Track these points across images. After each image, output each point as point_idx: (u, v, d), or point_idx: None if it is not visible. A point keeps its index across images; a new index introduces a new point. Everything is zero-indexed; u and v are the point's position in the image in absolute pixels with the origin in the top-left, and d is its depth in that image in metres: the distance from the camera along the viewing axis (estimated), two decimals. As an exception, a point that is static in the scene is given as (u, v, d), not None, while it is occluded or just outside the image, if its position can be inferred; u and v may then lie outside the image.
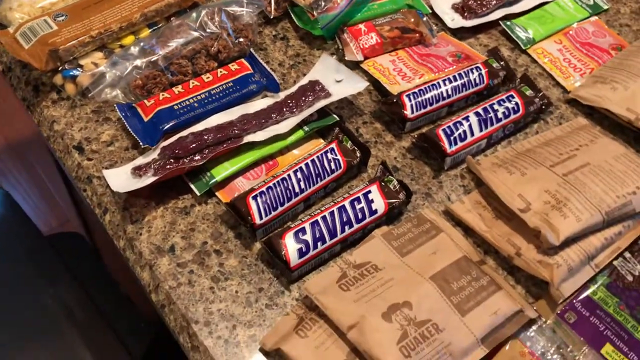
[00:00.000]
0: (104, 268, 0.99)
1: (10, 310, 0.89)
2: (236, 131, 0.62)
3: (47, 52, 0.63)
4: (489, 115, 0.66)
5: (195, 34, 0.68)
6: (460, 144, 0.64)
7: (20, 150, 1.96)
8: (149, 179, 0.58)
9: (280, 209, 0.58)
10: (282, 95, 0.68)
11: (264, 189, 0.58)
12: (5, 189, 1.90)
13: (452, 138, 0.64)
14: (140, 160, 0.61)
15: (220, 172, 0.61)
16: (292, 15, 0.76)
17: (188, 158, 0.60)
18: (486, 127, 0.66)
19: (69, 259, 0.95)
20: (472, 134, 0.65)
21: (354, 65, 0.72)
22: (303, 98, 0.66)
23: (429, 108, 0.67)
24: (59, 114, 0.65)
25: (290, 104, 0.65)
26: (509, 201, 0.60)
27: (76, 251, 0.99)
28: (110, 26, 0.67)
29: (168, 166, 0.59)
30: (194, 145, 0.60)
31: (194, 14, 0.69)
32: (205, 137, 0.61)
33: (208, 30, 0.68)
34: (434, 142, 0.64)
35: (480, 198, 0.63)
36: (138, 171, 0.59)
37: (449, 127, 0.65)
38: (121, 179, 0.60)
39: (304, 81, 0.69)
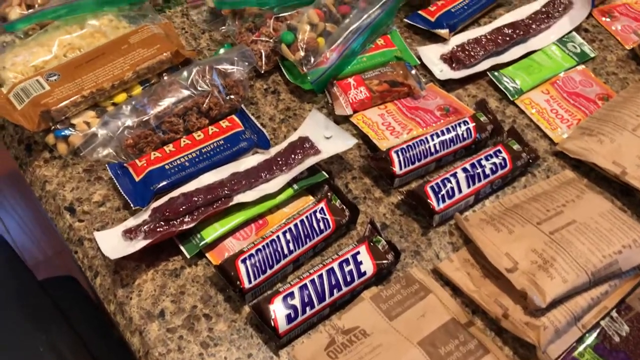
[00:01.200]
0: (98, 311, 0.99)
1: (0, 356, 0.89)
2: (226, 191, 0.63)
3: (39, 113, 0.64)
4: (477, 172, 0.67)
5: (187, 92, 0.69)
6: (448, 202, 0.65)
7: (17, 178, 1.97)
8: (139, 243, 0.59)
9: (269, 271, 0.58)
10: (272, 151, 0.69)
11: (253, 251, 0.59)
12: (1, 215, 1.91)
13: (440, 195, 0.65)
14: (131, 222, 0.62)
15: (210, 233, 0.61)
16: (283, 69, 0.77)
17: (178, 220, 0.61)
18: (474, 184, 0.67)
19: (62, 303, 0.96)
20: (460, 191, 0.66)
21: (344, 119, 0.73)
22: (292, 156, 0.67)
23: (417, 164, 0.68)
24: (51, 174, 0.66)
25: (280, 162, 0.66)
26: (496, 261, 0.60)
27: (70, 295, 0.99)
28: (102, 85, 0.68)
29: (159, 229, 0.60)
30: (184, 207, 0.61)
31: (185, 73, 0.69)
32: (195, 199, 0.62)
33: (199, 88, 0.69)
34: (423, 200, 0.65)
35: (468, 255, 0.64)
36: (129, 234, 0.60)
37: (437, 184, 0.65)
38: (112, 242, 0.60)
39: (293, 137, 0.70)
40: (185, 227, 0.60)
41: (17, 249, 1.12)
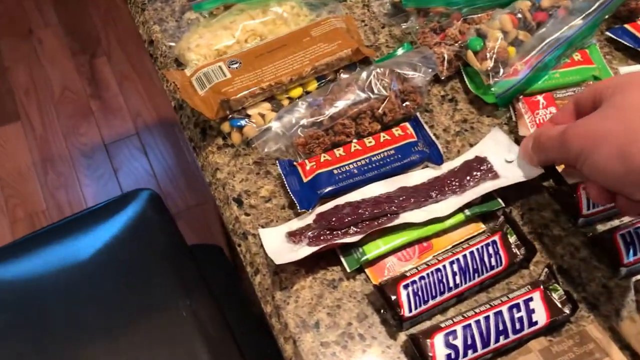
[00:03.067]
0: (240, 286, 1.02)
1: (146, 313, 0.94)
2: (394, 208, 0.60)
3: (219, 101, 0.65)
4: (679, 224, 0.59)
5: (363, 94, 0.66)
6: (640, 255, 0.58)
7: (169, 126, 2.08)
8: (303, 250, 0.58)
9: (431, 302, 0.55)
10: (444, 168, 0.65)
11: (416, 277, 0.56)
12: (151, 160, 2.04)
13: (631, 247, 0.58)
14: (296, 224, 0.61)
15: (372, 249, 0.59)
16: (464, 76, 0.72)
17: (343, 231, 0.59)
18: (675, 238, 0.58)
19: (208, 271, 0.99)
20: (656, 245, 0.58)
21: (525, 140, 0.67)
22: (467, 177, 0.62)
23: (608, 205, 0.61)
24: (223, 162, 0.67)
25: (453, 183, 0.62)
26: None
27: (216, 265, 1.03)
28: (281, 78, 0.67)
29: (322, 237, 0.59)
30: (350, 218, 0.59)
31: (364, 74, 0.67)
32: (362, 211, 0.60)
33: (376, 92, 0.66)
34: (610, 249, 0.58)
35: (655, 319, 0.56)
36: (293, 237, 0.59)
37: (629, 232, 0.58)
38: (276, 241, 0.60)
39: (469, 155, 0.65)
40: (349, 239, 0.58)
41: (161, 194, 1.17)
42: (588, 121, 0.50)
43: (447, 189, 0.62)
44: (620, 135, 0.47)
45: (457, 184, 0.62)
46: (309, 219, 0.61)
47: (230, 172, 0.66)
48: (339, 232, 0.59)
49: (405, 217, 0.60)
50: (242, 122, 0.66)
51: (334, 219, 0.59)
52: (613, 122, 0.48)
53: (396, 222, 0.60)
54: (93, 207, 1.06)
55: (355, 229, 0.59)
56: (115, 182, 1.99)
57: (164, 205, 1.06)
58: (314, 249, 0.58)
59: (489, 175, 0.62)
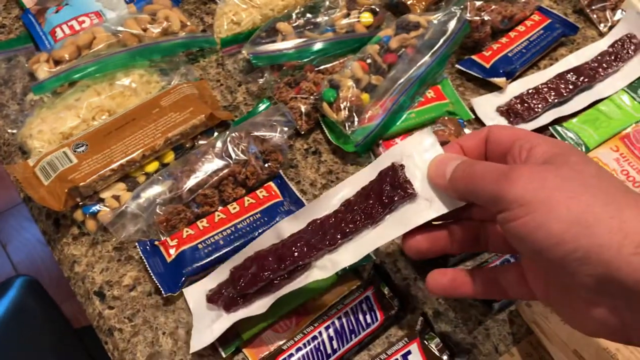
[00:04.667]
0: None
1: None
2: (307, 254, 0.54)
3: (67, 190, 0.60)
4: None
5: (222, 162, 0.64)
6: (508, 288, 0.59)
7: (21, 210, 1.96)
8: (218, 323, 0.55)
9: (311, 373, 0.53)
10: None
11: (293, 350, 0.54)
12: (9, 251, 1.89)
13: (499, 281, 0.58)
14: (213, 281, 0.58)
15: (247, 329, 0.56)
16: (324, 127, 0.71)
17: (251, 295, 0.55)
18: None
19: (99, 355, 0.93)
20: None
21: (391, 184, 0.67)
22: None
23: (473, 241, 0.61)
24: (80, 253, 0.62)
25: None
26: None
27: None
28: (133, 156, 0.63)
29: (234, 303, 0.55)
30: (256, 279, 0.54)
31: (220, 141, 0.65)
32: (266, 274, 0.54)
33: (235, 157, 0.64)
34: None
35: (531, 349, 0.57)
36: (211, 301, 0.56)
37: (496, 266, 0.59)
38: (201, 305, 0.57)
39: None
40: (258, 309, 0.54)
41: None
42: (544, 173, 0.39)
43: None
44: (588, 205, 0.37)
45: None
46: (226, 271, 0.57)
47: (89, 264, 0.61)
48: (249, 294, 0.55)
49: (314, 271, 0.53)
50: (96, 208, 0.62)
51: (241, 281, 0.54)
52: (575, 186, 0.38)
53: (310, 278, 0.53)
54: (-37, 304, 0.96)
55: (266, 292, 0.54)
56: (5, 257, 1.85)
57: (43, 291, 0.99)
58: (229, 323, 0.54)
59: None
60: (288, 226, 0.55)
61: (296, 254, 0.52)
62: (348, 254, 0.51)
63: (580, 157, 0.40)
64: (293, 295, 0.57)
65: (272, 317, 0.57)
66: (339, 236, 0.51)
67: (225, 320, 0.55)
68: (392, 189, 0.49)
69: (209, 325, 0.55)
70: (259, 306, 0.54)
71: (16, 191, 0.66)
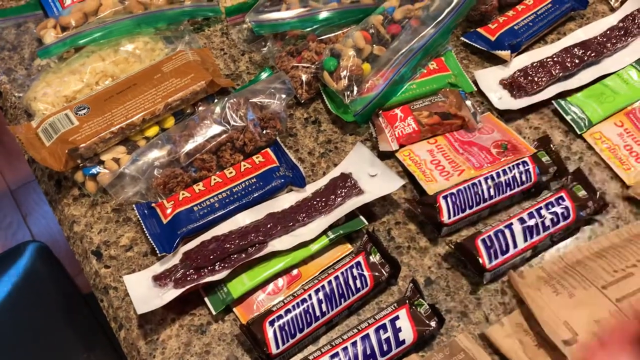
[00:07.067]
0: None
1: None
2: (261, 237, 0.59)
3: (67, 151, 0.61)
4: (535, 222, 0.60)
5: (220, 127, 0.65)
6: (501, 258, 0.58)
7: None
8: (168, 294, 0.56)
9: (299, 335, 0.54)
10: (310, 189, 0.64)
11: (282, 311, 0.54)
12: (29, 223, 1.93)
13: (492, 250, 0.58)
14: (160, 268, 0.59)
15: (238, 287, 0.57)
16: (325, 97, 0.71)
17: (209, 269, 0.57)
18: (531, 237, 0.60)
19: (106, 321, 0.95)
20: (515, 246, 0.59)
21: (389, 154, 0.67)
22: (332, 196, 0.62)
23: (468, 212, 0.61)
24: (79, 213, 0.63)
25: (320, 203, 0.61)
26: (552, 330, 0.54)
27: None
28: (133, 119, 0.64)
29: (188, 278, 0.57)
30: (215, 254, 0.57)
31: (219, 107, 0.65)
32: (228, 246, 0.58)
33: (233, 123, 0.65)
34: (472, 256, 0.58)
35: (522, 319, 0.57)
36: (158, 281, 0.57)
37: (489, 236, 0.59)
38: (142, 288, 0.57)
39: (335, 172, 0.65)
40: (215, 277, 0.57)
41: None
42: None
43: (313, 210, 0.61)
44: None
45: (323, 203, 0.61)
46: (175, 259, 0.59)
47: (87, 224, 0.63)
48: (205, 270, 0.57)
49: (274, 244, 0.59)
50: (95, 170, 0.63)
51: (198, 257, 0.57)
52: None
53: (265, 251, 0.58)
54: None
55: (221, 265, 0.57)
56: (25, 228, 1.89)
57: (53, 257, 1.01)
58: (178, 292, 0.56)
59: (354, 191, 0.62)
60: (245, 217, 0.61)
61: (256, 233, 0.59)
62: (305, 230, 0.60)
63: None
64: (281, 254, 0.59)
65: (262, 278, 0.58)
66: (295, 221, 0.60)
67: (173, 294, 0.56)
68: (344, 188, 0.62)
69: (158, 295, 0.56)
70: (215, 276, 0.56)
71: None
